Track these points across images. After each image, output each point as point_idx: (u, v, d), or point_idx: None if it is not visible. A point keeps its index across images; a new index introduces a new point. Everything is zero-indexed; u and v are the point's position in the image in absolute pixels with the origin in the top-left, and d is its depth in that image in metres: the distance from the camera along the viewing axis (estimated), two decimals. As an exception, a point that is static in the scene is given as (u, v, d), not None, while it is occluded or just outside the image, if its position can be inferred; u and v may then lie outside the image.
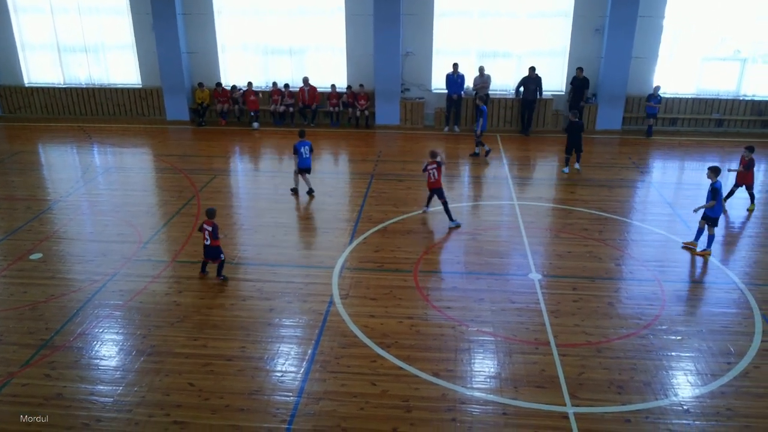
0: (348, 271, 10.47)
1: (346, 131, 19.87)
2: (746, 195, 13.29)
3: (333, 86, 20.01)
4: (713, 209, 10.84)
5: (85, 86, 21.37)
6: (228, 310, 9.27)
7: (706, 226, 11.03)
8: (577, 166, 15.73)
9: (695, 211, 11.23)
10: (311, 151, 13.62)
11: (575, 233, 11.91)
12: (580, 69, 18.77)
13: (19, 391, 7.56)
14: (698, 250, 11.14)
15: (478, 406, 7.24)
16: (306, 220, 12.74)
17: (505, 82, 20.11)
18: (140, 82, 21.10)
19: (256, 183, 15.62)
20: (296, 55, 20.57)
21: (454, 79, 19.08)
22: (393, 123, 20.20)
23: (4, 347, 8.43)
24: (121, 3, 20.18)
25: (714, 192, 10.77)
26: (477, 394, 7.45)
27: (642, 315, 9.13)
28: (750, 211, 13.13)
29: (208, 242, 10.03)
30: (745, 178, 13.10)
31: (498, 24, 19.53)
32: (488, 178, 15.47)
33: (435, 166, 12.13)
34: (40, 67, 21.48)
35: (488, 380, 7.70)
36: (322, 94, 20.15)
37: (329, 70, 20.37)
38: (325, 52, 20.37)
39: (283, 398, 7.39)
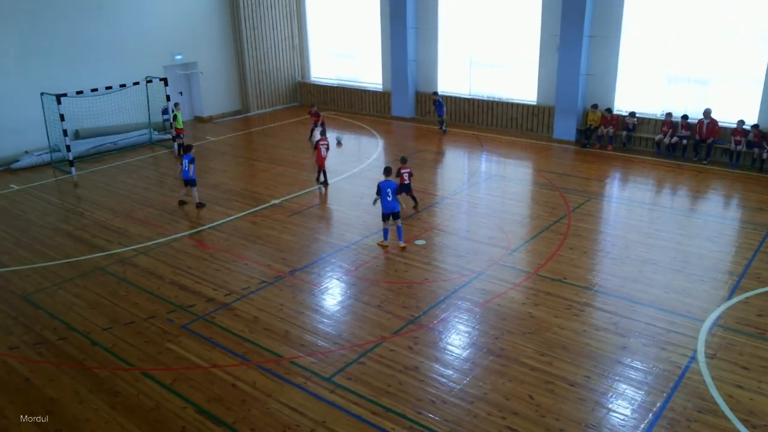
0: (720, 329, 9.35)
1: (744, 174, 17.49)
2: None
3: (740, 122, 17.86)
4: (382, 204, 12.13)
5: (486, 99, 23.30)
6: (580, 335, 9.19)
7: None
8: None
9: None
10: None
11: None
12: None
13: (386, 354, 8.79)
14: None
15: None
16: (680, 263, 11.67)
17: None
18: (536, 99, 22.07)
19: (630, 213, 14.94)
20: (699, 85, 18.94)
21: None
22: (811, 172, 17.11)
23: (382, 313, 9.88)
24: (535, 22, 21.32)
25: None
26: None
27: None
28: None
29: (408, 182, 13.96)
30: None
31: None
32: None
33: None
34: (451, 79, 24.17)
35: None
36: (724, 129, 18.17)
37: (738, 103, 18.22)
38: (735, 83, 18.27)
39: (620, 442, 7.06)
